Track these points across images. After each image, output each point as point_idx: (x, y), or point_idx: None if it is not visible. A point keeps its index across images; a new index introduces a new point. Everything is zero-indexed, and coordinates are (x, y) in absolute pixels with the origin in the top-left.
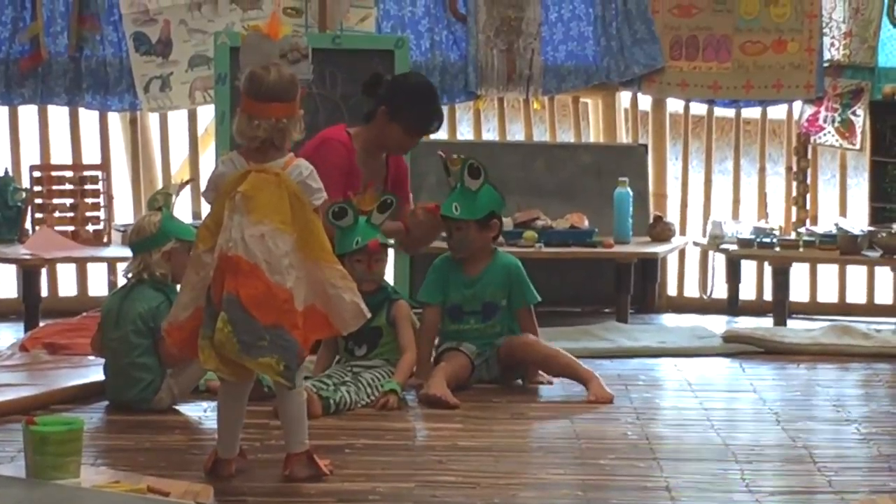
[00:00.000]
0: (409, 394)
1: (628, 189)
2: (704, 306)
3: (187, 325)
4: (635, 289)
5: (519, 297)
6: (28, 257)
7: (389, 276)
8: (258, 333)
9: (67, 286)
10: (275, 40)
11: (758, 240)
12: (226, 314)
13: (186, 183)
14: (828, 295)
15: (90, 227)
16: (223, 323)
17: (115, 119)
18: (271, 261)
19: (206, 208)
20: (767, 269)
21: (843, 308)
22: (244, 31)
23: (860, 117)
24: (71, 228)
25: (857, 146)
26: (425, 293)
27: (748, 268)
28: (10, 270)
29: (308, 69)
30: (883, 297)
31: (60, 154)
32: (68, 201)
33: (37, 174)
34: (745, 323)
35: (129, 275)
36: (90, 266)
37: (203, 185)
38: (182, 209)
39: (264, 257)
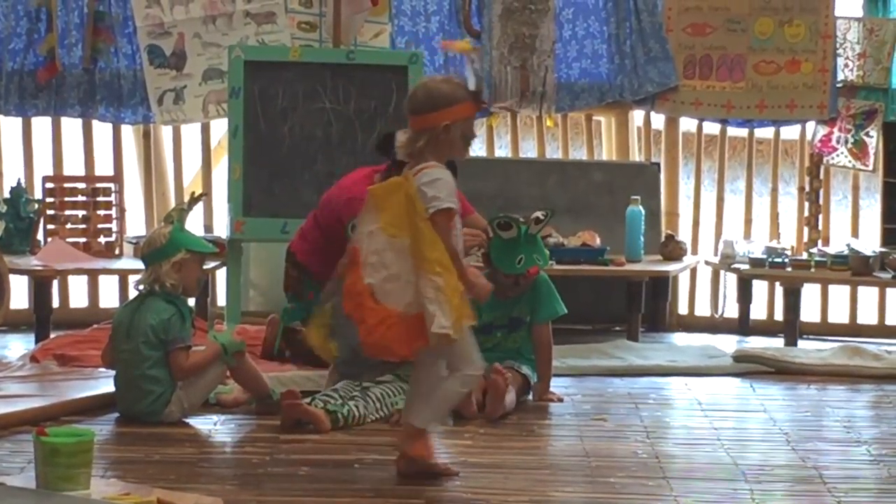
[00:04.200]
0: None
1: (640, 207)
2: (715, 325)
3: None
4: (646, 307)
5: (547, 309)
6: (40, 268)
7: None
8: (339, 319)
9: (79, 298)
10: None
11: (769, 260)
12: (336, 297)
13: (200, 197)
14: (839, 316)
15: (102, 239)
16: (330, 306)
17: (128, 131)
18: (364, 255)
19: (218, 222)
20: (779, 289)
21: (853, 329)
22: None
23: (873, 138)
24: (83, 240)
25: (870, 167)
26: None
27: (759, 287)
28: (22, 281)
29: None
30: (894, 319)
31: (73, 166)
32: (81, 213)
33: (49, 186)
34: (756, 343)
35: (141, 286)
36: (102, 278)
37: (216, 200)
38: (195, 222)
39: (363, 251)
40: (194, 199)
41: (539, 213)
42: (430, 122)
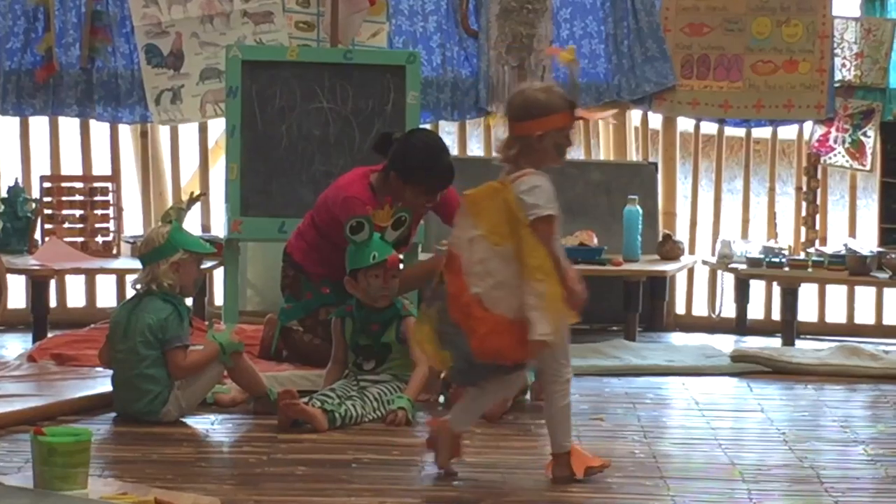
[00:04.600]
0: (419, 408)
1: (638, 207)
2: (713, 325)
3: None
4: (644, 307)
5: None
6: (37, 268)
7: None
8: (447, 327)
9: (76, 297)
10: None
11: (767, 259)
12: (440, 302)
13: (198, 197)
14: (836, 315)
15: (99, 239)
16: (435, 311)
17: (125, 131)
18: (468, 264)
19: (215, 222)
20: (776, 289)
21: (851, 329)
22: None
23: (871, 138)
24: (80, 240)
25: (868, 167)
26: None
27: (757, 287)
28: (20, 281)
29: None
30: (891, 319)
31: (71, 165)
32: (78, 213)
33: (47, 185)
34: (754, 342)
35: (138, 286)
36: (99, 277)
37: (213, 200)
38: (192, 222)
39: (466, 259)
40: (192, 199)
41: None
42: (524, 130)
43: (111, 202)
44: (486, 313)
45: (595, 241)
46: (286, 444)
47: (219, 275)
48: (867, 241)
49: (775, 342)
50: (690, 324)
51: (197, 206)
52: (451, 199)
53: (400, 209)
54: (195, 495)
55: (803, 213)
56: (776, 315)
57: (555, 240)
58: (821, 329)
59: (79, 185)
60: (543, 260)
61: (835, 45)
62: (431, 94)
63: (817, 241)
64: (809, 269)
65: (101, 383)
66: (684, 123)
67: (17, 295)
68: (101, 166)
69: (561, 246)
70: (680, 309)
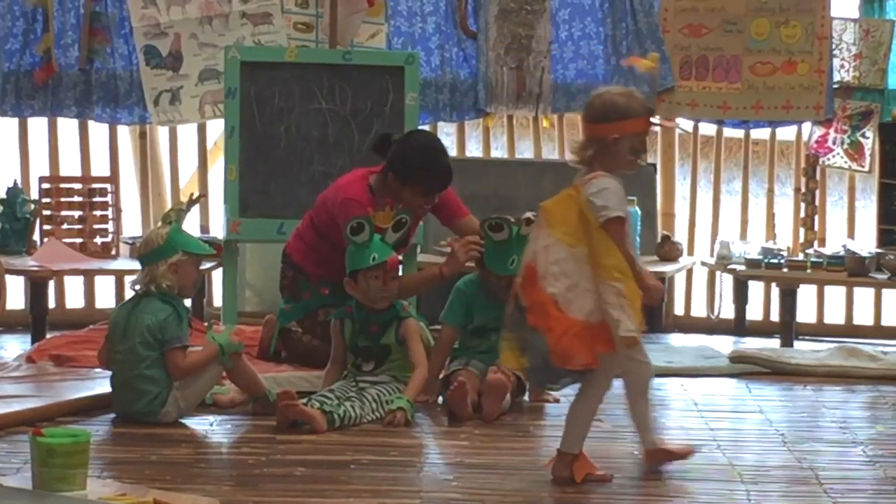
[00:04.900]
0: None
1: (637, 208)
2: (711, 326)
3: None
4: (642, 308)
5: None
6: (36, 269)
7: None
8: (525, 333)
9: (75, 298)
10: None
11: (765, 260)
12: (517, 314)
13: (199, 199)
14: (835, 317)
15: (98, 240)
16: (514, 323)
17: (124, 132)
18: (544, 267)
19: (214, 223)
20: (775, 290)
21: (850, 330)
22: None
23: (869, 139)
24: (79, 241)
25: (866, 168)
26: (449, 316)
27: (755, 288)
28: (19, 282)
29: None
30: (890, 320)
31: (69, 166)
32: (77, 213)
33: (46, 186)
34: (752, 343)
35: (137, 286)
36: (98, 278)
37: (212, 200)
38: (191, 223)
39: (542, 264)
40: (192, 201)
41: (530, 214)
42: (600, 133)
43: (110, 203)
44: (561, 314)
45: None
46: (285, 444)
47: (217, 275)
48: (866, 242)
49: (774, 343)
50: (689, 325)
51: (196, 207)
52: (450, 200)
53: (401, 211)
54: (194, 496)
55: (802, 214)
56: (775, 316)
57: (627, 240)
58: (819, 330)
59: (77, 186)
60: (619, 260)
61: (833, 46)
62: (430, 95)
63: (816, 242)
64: (808, 270)
65: (100, 384)
66: (683, 124)
67: (16, 296)
68: (100, 167)
69: (633, 244)
70: (679, 310)
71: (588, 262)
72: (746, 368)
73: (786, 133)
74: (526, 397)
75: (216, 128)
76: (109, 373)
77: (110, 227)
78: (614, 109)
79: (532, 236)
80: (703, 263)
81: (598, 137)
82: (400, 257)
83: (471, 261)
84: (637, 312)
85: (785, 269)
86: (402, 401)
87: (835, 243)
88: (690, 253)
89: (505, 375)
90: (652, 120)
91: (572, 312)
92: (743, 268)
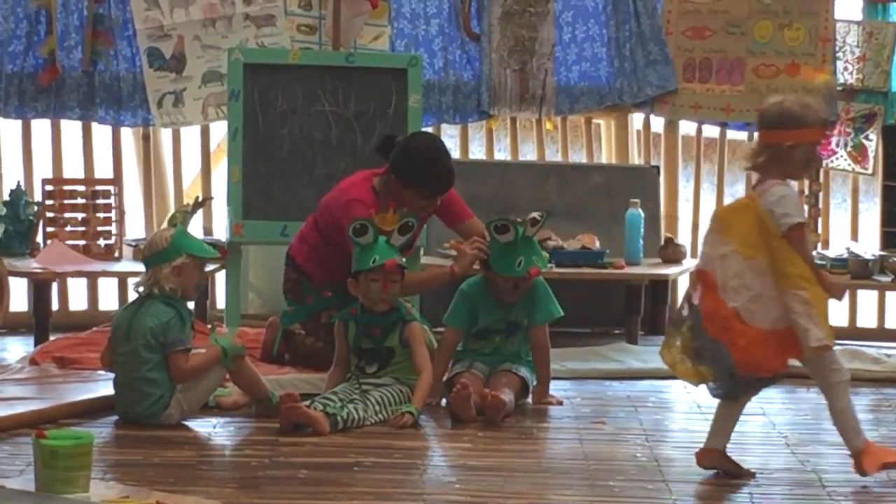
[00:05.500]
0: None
1: (640, 210)
2: None
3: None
4: (646, 310)
5: (544, 311)
6: (39, 271)
7: None
8: (704, 343)
9: (78, 300)
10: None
11: None
12: (690, 320)
13: (205, 201)
14: (838, 319)
15: (101, 242)
16: (687, 328)
17: (127, 134)
18: (723, 279)
19: (217, 225)
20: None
21: (853, 332)
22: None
23: (873, 142)
24: (82, 243)
25: (870, 170)
26: (453, 318)
27: None
28: (22, 284)
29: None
30: (893, 322)
31: (73, 168)
32: (80, 216)
33: (49, 188)
34: None
35: (140, 289)
36: (101, 280)
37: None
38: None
39: (720, 275)
40: (198, 203)
41: (536, 214)
42: (775, 139)
43: (113, 205)
44: (745, 326)
45: (597, 244)
46: (288, 447)
47: (220, 278)
48: (869, 245)
49: None
50: None
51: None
52: (454, 202)
53: (406, 214)
54: (197, 498)
55: (805, 217)
56: None
57: (807, 244)
58: None
59: (81, 188)
60: (802, 268)
61: (837, 48)
62: (433, 98)
63: (819, 245)
64: None
65: (103, 386)
66: (686, 127)
67: (19, 298)
68: (103, 169)
69: (810, 248)
70: None
71: (768, 272)
72: None
73: None
74: (529, 399)
75: (219, 130)
76: (112, 375)
77: (113, 229)
78: (791, 117)
79: (706, 240)
80: None
81: (772, 144)
82: (403, 259)
83: (478, 260)
84: (824, 318)
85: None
86: (411, 407)
87: (838, 246)
88: (694, 255)
89: (503, 394)
90: (826, 132)
91: (757, 322)
92: None
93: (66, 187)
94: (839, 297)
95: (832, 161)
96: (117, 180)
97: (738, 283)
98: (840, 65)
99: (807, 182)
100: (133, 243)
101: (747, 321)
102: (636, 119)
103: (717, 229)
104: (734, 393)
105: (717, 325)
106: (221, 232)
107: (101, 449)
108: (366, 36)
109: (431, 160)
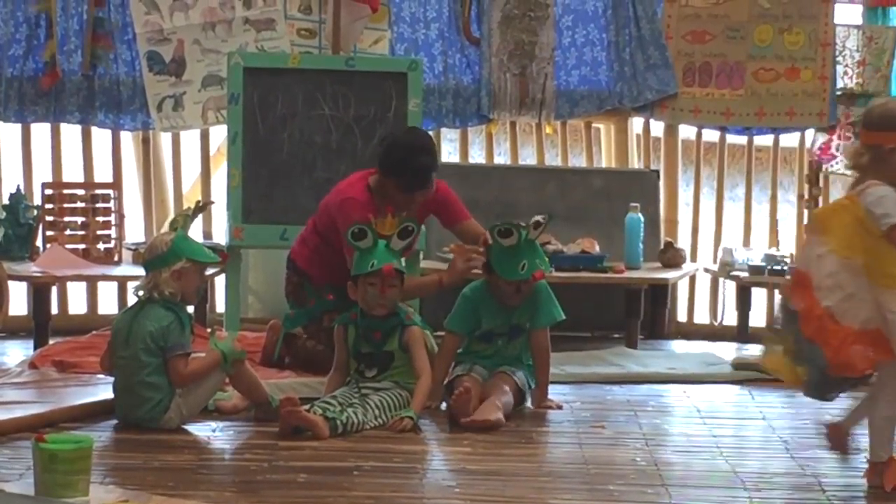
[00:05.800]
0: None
1: (639, 215)
2: (714, 333)
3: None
4: (645, 314)
5: (546, 315)
6: (39, 275)
7: None
8: (802, 345)
9: (78, 304)
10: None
11: (768, 267)
12: (791, 324)
13: (206, 206)
14: None
15: (101, 246)
16: (789, 332)
17: (127, 138)
18: (818, 279)
19: (217, 229)
20: (778, 297)
21: None
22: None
23: None
24: (82, 246)
25: None
26: (455, 322)
27: (758, 295)
28: (21, 288)
29: None
30: None
31: (72, 172)
32: (80, 219)
33: (49, 192)
34: (755, 350)
35: (140, 292)
36: (100, 284)
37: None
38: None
39: (815, 275)
40: (199, 207)
41: (538, 217)
42: (878, 140)
43: (113, 209)
44: (838, 326)
45: (597, 248)
46: (287, 451)
47: (220, 282)
48: None
49: None
50: (692, 331)
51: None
52: (451, 202)
53: (406, 219)
54: (196, 502)
55: (805, 221)
56: None
57: None
58: None
59: (80, 191)
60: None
61: (836, 52)
62: (433, 102)
63: None
64: None
65: (103, 390)
66: (686, 131)
67: (19, 302)
68: (103, 173)
69: None
70: (682, 316)
71: (863, 272)
72: (749, 375)
73: (789, 140)
74: (528, 403)
75: (219, 134)
76: (112, 379)
77: (113, 233)
78: (894, 119)
79: (806, 242)
80: (706, 270)
81: (874, 145)
82: (402, 263)
83: (470, 272)
84: None
85: (788, 276)
86: (410, 412)
87: None
88: (693, 259)
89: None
90: None
91: (847, 321)
92: (746, 274)
93: (65, 191)
94: None
95: (832, 165)
96: (117, 184)
97: (833, 282)
98: (840, 69)
99: (807, 186)
100: (133, 247)
101: (839, 320)
102: (636, 123)
103: (815, 230)
104: (825, 393)
105: (812, 324)
106: (221, 236)
107: (100, 453)
108: (366, 40)
109: (409, 154)
